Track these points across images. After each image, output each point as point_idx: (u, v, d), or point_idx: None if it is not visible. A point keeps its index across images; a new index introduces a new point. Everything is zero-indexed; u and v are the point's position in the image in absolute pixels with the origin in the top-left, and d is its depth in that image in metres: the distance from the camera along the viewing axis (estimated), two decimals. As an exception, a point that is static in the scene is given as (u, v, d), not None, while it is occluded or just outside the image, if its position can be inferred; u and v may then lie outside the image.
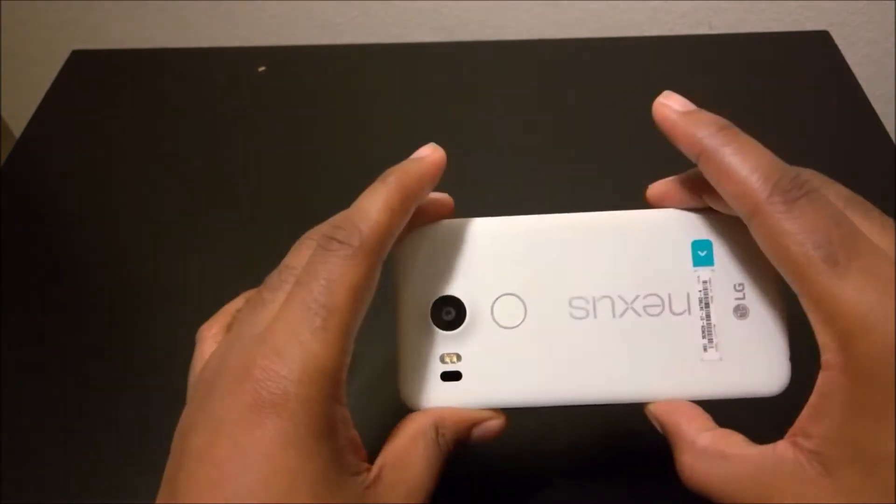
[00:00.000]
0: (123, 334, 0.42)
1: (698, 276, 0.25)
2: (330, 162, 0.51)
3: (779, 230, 0.21)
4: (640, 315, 0.25)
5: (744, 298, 0.25)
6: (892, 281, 0.20)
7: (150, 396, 0.39)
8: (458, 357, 0.25)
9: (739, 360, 0.24)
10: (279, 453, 0.20)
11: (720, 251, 0.25)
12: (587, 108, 0.54)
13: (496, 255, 0.26)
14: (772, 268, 0.22)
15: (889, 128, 0.51)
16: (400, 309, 0.26)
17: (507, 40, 0.60)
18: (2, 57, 0.73)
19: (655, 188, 0.27)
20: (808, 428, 0.21)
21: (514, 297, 0.25)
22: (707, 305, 0.25)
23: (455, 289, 0.26)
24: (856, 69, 0.55)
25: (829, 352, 0.21)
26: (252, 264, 0.45)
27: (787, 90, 0.54)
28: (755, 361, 0.24)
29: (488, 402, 0.25)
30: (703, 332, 0.24)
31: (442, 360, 0.25)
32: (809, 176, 0.23)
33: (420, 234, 0.26)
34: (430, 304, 0.26)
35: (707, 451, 0.22)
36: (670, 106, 0.26)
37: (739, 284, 0.25)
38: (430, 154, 0.26)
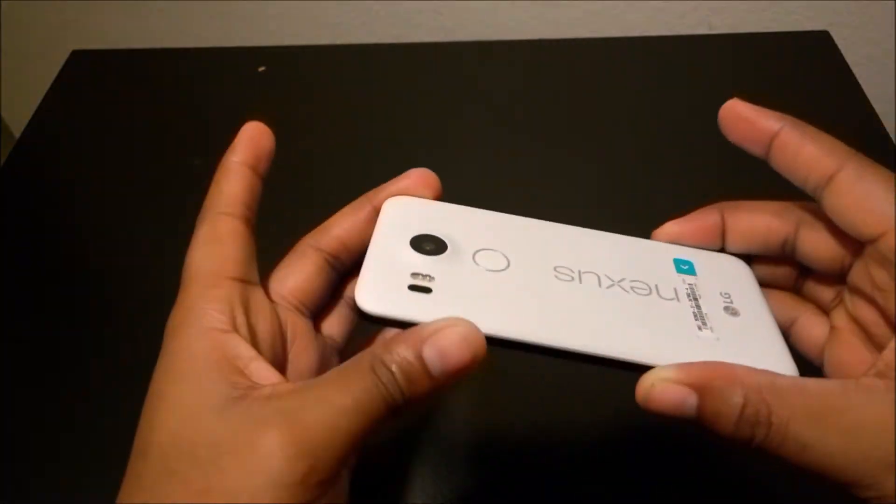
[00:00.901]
0: (123, 333, 0.42)
1: (683, 279, 0.25)
2: (330, 162, 0.51)
3: (867, 185, 0.24)
4: (627, 292, 0.24)
5: (732, 303, 0.25)
6: None
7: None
8: (432, 278, 0.23)
9: (738, 344, 0.23)
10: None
11: (702, 270, 0.26)
12: (587, 107, 0.54)
13: (485, 224, 0.26)
14: (761, 294, 0.25)
15: (889, 128, 0.51)
16: (375, 237, 0.25)
17: (506, 40, 0.60)
18: (2, 57, 0.73)
19: (665, 233, 0.28)
20: (890, 357, 0.21)
21: (497, 252, 0.25)
22: (695, 298, 0.25)
23: (438, 231, 0.25)
24: (856, 69, 0.55)
25: None
26: (252, 264, 0.45)
27: (787, 90, 0.54)
28: (756, 350, 0.24)
29: None
30: (695, 316, 0.24)
31: (413, 276, 0.23)
32: None
33: (410, 200, 0.26)
34: (410, 237, 0.24)
35: (780, 388, 0.21)
36: (741, 104, 0.28)
37: (726, 293, 0.25)
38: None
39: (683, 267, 0.26)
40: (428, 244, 0.24)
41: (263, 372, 0.22)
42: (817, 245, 0.25)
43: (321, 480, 0.20)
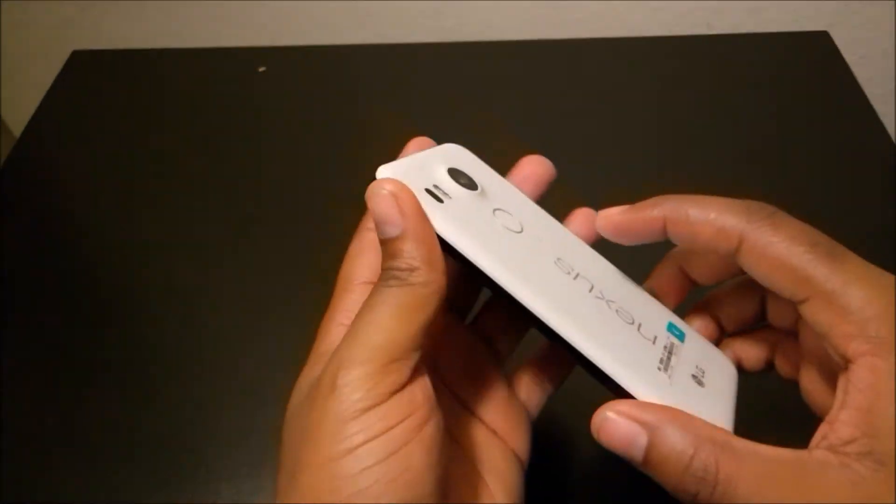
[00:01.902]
0: (121, 334, 0.42)
1: (668, 335, 0.25)
2: (329, 162, 0.51)
3: (772, 244, 0.22)
4: (610, 309, 0.25)
5: (702, 377, 0.25)
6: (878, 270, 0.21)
7: (149, 396, 0.39)
8: (449, 197, 0.24)
9: (690, 401, 0.23)
10: None
11: (690, 343, 0.26)
12: (587, 107, 0.54)
13: (517, 199, 0.27)
14: (733, 397, 0.24)
15: (889, 127, 0.51)
16: (424, 152, 0.26)
17: (506, 40, 0.60)
18: (2, 57, 0.73)
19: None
20: (844, 431, 0.20)
21: (514, 219, 0.26)
22: (670, 352, 0.25)
23: (475, 177, 0.26)
24: (855, 69, 0.55)
25: (854, 340, 0.20)
26: (251, 264, 0.45)
27: (786, 90, 0.54)
28: (701, 401, 0.23)
29: (453, 236, 0.23)
30: (661, 360, 0.24)
31: (435, 187, 0.24)
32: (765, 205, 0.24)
33: (464, 150, 0.28)
34: (450, 166, 0.26)
35: (734, 448, 0.20)
36: (611, 213, 0.27)
37: (701, 369, 0.25)
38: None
39: (675, 331, 0.26)
40: (462, 178, 0.25)
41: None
42: (759, 262, 0.23)
43: (371, 371, 0.21)
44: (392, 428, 0.20)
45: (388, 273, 0.22)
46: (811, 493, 0.20)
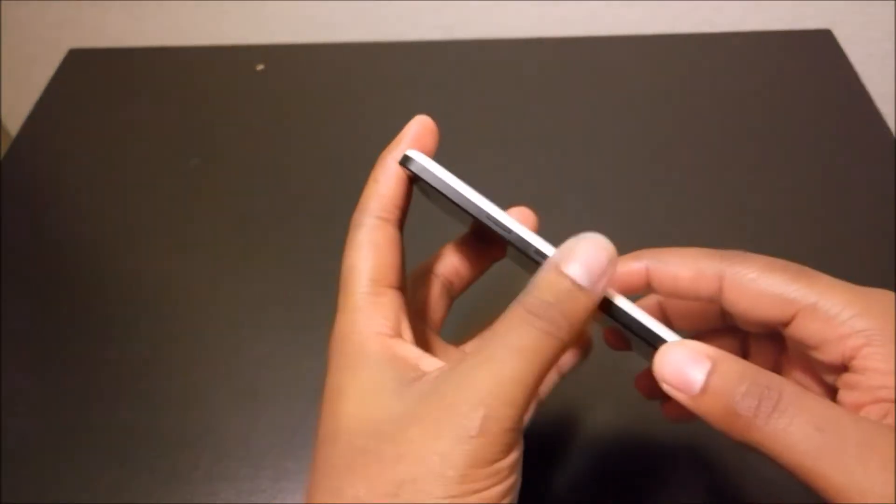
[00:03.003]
0: (121, 333, 0.42)
1: None
2: (329, 160, 0.51)
3: (750, 278, 0.24)
4: None
5: None
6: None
7: (148, 397, 0.39)
8: None
9: None
10: None
11: None
12: (588, 106, 0.54)
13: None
14: None
15: (891, 126, 0.51)
16: None
17: (507, 39, 0.60)
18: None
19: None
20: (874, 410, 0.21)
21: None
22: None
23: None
24: (858, 68, 0.55)
25: (847, 339, 0.22)
26: (249, 262, 0.45)
27: (789, 89, 0.54)
28: None
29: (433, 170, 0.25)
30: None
31: None
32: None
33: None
34: None
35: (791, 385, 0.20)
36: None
37: None
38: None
39: None
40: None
41: (432, 365, 0.23)
42: (741, 297, 0.24)
43: (502, 429, 0.21)
44: (508, 483, 0.21)
45: (544, 308, 0.22)
46: (865, 441, 0.19)
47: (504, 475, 0.21)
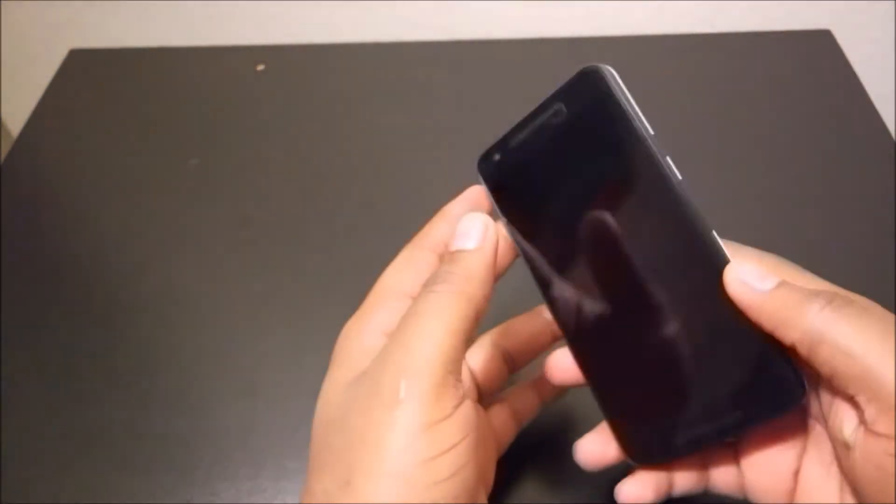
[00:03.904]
0: (121, 334, 0.42)
1: None
2: (328, 161, 0.51)
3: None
4: None
5: None
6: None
7: (148, 397, 0.39)
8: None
9: None
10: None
11: None
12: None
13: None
14: None
15: (891, 126, 0.51)
16: None
17: (507, 39, 0.60)
18: (0, 55, 0.73)
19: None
20: None
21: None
22: None
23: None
24: (858, 68, 0.55)
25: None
26: (249, 262, 0.45)
27: (788, 89, 0.54)
28: None
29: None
30: None
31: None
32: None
33: None
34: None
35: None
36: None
37: None
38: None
39: None
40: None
41: None
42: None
43: (429, 387, 0.21)
44: (458, 444, 0.21)
45: (443, 275, 0.24)
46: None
47: (452, 437, 0.21)
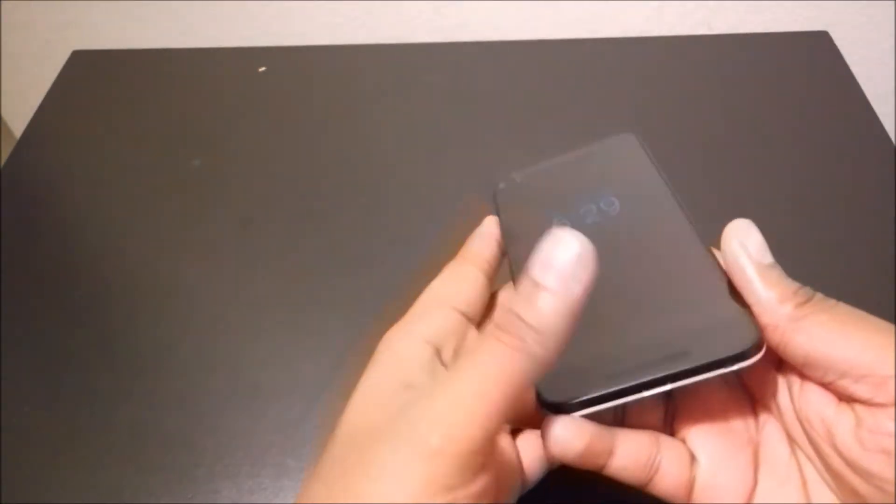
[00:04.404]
0: (122, 334, 0.42)
1: None
2: (329, 162, 0.51)
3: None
4: None
5: None
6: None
7: (150, 396, 0.39)
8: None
9: None
10: None
11: None
12: (587, 108, 0.54)
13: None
14: None
15: (888, 128, 0.51)
16: None
17: (507, 40, 0.60)
18: (2, 57, 0.73)
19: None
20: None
21: None
22: None
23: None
24: (855, 69, 0.55)
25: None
26: (250, 262, 0.45)
27: (786, 90, 0.54)
28: None
29: None
30: None
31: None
32: None
33: None
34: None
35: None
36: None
37: None
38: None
39: None
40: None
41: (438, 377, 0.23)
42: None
43: (461, 451, 0.19)
44: None
45: (511, 322, 0.20)
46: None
47: (467, 500, 0.20)
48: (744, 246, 0.23)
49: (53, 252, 0.47)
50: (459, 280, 0.27)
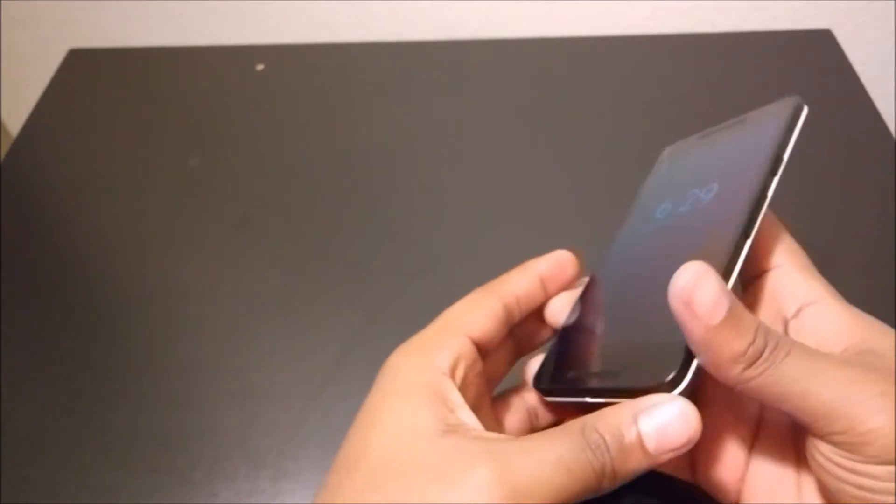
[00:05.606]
0: (119, 333, 0.42)
1: None
2: (328, 161, 0.51)
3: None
4: None
5: None
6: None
7: (147, 397, 0.39)
8: None
9: None
10: None
11: None
12: (588, 106, 0.54)
13: None
14: None
15: (891, 126, 0.51)
16: None
17: (507, 39, 0.60)
18: (-1, 55, 0.73)
19: None
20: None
21: None
22: None
23: None
24: (858, 68, 0.55)
25: None
26: (248, 262, 0.45)
27: (789, 89, 0.54)
28: None
29: None
30: None
31: None
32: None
33: None
34: None
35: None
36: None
37: None
38: None
39: None
40: None
41: (468, 419, 0.23)
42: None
43: None
44: None
45: (600, 447, 0.21)
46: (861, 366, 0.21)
47: None
48: (689, 307, 0.20)
49: (49, 250, 0.46)
50: (481, 310, 0.27)
